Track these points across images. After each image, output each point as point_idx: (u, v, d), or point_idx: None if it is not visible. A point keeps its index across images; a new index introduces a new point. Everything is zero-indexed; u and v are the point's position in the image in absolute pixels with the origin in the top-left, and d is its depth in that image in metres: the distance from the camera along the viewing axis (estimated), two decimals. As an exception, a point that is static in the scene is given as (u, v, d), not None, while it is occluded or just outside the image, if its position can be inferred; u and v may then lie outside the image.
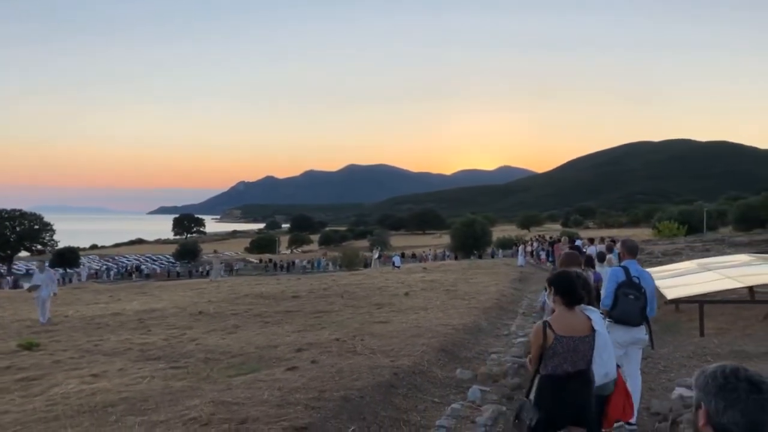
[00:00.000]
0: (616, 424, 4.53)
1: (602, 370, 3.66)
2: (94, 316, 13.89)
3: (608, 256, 11.29)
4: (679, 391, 6.16)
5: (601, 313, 4.29)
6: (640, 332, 5.46)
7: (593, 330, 3.50)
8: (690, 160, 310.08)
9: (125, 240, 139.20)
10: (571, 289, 3.48)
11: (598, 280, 7.51)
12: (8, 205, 76.94)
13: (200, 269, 60.13)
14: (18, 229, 71.81)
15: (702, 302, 10.47)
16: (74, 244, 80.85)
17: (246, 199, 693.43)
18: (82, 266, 63.77)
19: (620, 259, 6.14)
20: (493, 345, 9.28)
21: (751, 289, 11.94)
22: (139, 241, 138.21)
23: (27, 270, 66.49)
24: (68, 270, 59.49)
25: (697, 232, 48.71)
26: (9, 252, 70.46)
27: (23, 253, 77.20)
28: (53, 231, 75.38)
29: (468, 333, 9.67)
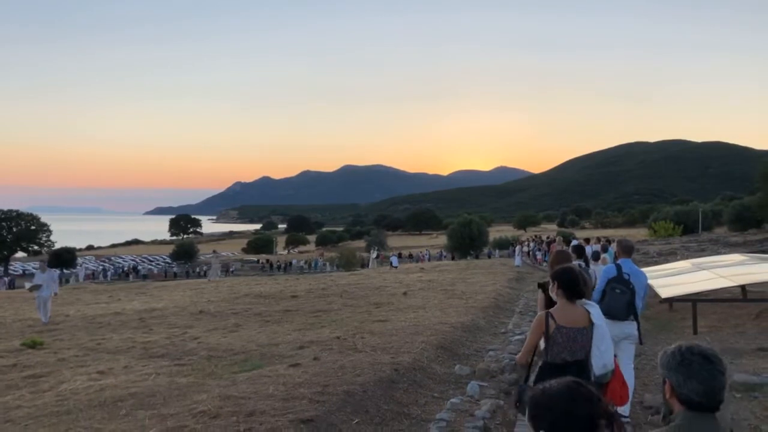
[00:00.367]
0: None
1: (600, 362, 3.84)
2: (95, 316, 14.02)
3: (603, 255, 11.51)
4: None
5: None
6: (630, 327, 5.66)
7: (592, 323, 3.69)
8: (685, 161, 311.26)
9: (121, 241, 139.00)
10: (573, 284, 3.69)
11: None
12: (1, 206, 76.57)
13: (197, 270, 60.17)
14: (15, 229, 71.72)
15: (695, 301, 10.68)
16: (69, 244, 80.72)
17: (242, 199, 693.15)
18: (78, 267, 63.67)
19: (616, 258, 6.36)
20: (490, 342, 9.45)
21: (743, 288, 12.16)
22: (136, 242, 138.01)
23: (24, 271, 66.40)
24: (65, 270, 59.42)
25: (692, 233, 49.00)
26: (6, 253, 70.34)
27: (19, 254, 77.07)
28: (50, 232, 75.33)
29: (466, 331, 9.84)
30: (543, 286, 4.78)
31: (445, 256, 54.82)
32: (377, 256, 46.12)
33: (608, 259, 11.39)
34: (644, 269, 15.09)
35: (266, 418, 4.71)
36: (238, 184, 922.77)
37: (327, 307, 13.60)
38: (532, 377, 3.82)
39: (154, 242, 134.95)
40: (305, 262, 62.81)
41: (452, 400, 6.15)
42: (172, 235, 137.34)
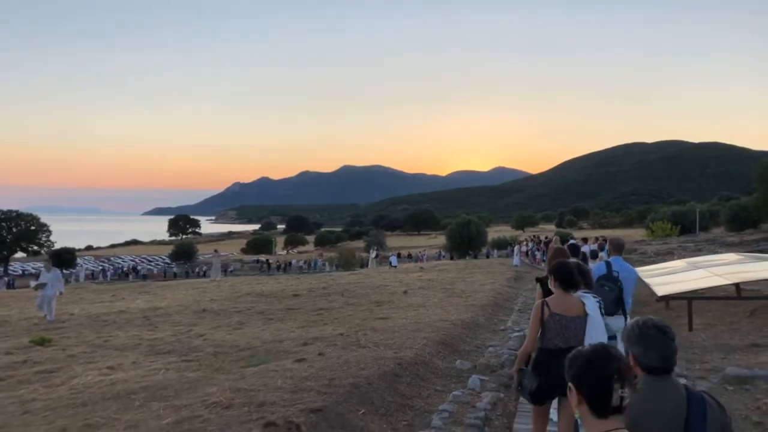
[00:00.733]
0: None
1: None
2: (100, 314, 14.18)
3: (600, 254, 11.76)
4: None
5: None
6: (618, 321, 5.90)
7: (585, 313, 3.93)
8: (683, 161, 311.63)
9: (120, 241, 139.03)
10: (569, 276, 4.03)
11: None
12: (1, 206, 76.56)
13: (197, 270, 60.31)
14: (14, 230, 71.77)
15: (691, 299, 10.91)
16: (69, 245, 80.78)
17: (241, 200, 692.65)
18: (78, 267, 63.79)
19: (608, 256, 6.63)
20: (490, 339, 9.67)
21: (737, 286, 12.39)
22: (135, 242, 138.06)
23: (23, 271, 66.50)
24: (65, 270, 59.53)
25: (689, 233, 49.29)
26: (5, 253, 70.40)
27: (19, 254, 77.10)
28: (50, 232, 75.38)
29: (466, 328, 10.06)
30: (541, 281, 5.04)
31: (443, 256, 55.05)
32: (376, 256, 46.31)
33: (605, 258, 11.62)
34: (640, 268, 15.35)
35: (277, 408, 4.91)
36: (237, 184, 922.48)
37: (329, 305, 13.79)
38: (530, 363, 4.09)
39: (153, 242, 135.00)
40: (305, 262, 63.00)
41: (454, 392, 6.36)
42: (171, 236, 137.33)
